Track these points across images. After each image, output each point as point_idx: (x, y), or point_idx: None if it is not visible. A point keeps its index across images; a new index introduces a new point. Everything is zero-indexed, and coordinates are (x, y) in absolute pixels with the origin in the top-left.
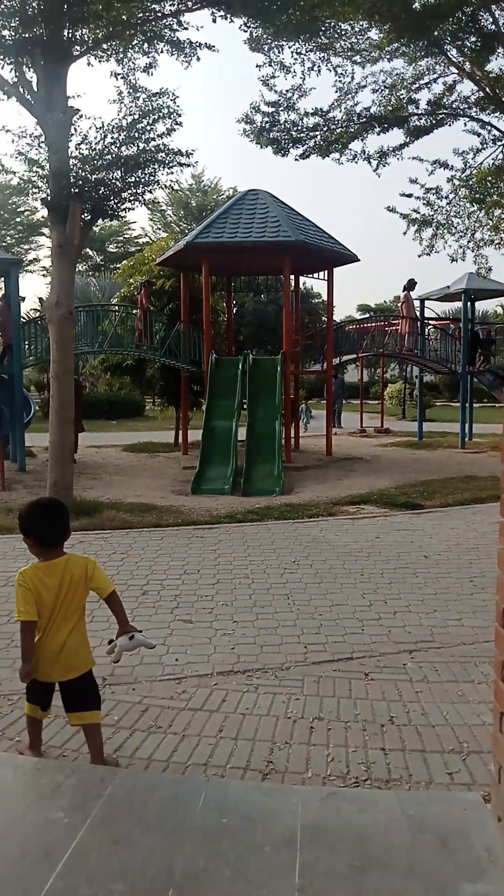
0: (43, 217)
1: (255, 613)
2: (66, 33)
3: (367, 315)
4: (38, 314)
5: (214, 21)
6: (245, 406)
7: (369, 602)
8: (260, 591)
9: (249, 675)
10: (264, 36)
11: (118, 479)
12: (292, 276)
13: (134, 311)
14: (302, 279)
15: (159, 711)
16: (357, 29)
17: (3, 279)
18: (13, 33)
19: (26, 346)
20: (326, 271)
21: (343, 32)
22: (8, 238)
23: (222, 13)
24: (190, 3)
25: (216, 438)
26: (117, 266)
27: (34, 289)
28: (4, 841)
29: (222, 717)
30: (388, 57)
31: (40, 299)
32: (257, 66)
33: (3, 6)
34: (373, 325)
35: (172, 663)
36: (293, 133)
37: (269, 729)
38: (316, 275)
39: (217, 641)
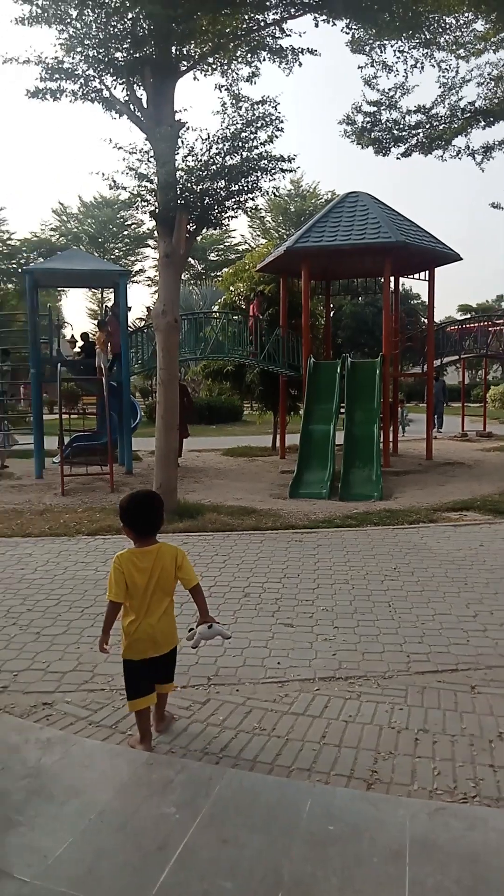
0: (148, 229)
1: (356, 620)
2: (173, 50)
3: (469, 315)
4: (143, 323)
5: (317, 26)
6: (343, 410)
7: (474, 612)
8: (360, 598)
9: (351, 681)
10: (366, 36)
11: (218, 482)
12: (392, 278)
13: (236, 318)
14: (402, 280)
15: (262, 714)
16: (462, 21)
17: (112, 290)
18: (125, 55)
19: (133, 354)
20: (427, 271)
21: (447, 26)
22: (115, 251)
23: (324, 17)
24: (293, 11)
25: (314, 442)
26: (218, 274)
27: (140, 298)
28: (121, 831)
29: (325, 723)
30: (493, 48)
31: (148, 308)
32: (359, 67)
33: (116, 30)
34: (475, 325)
35: (274, 666)
36: (395, 132)
37: (372, 738)
38: (416, 275)
39: (318, 647)
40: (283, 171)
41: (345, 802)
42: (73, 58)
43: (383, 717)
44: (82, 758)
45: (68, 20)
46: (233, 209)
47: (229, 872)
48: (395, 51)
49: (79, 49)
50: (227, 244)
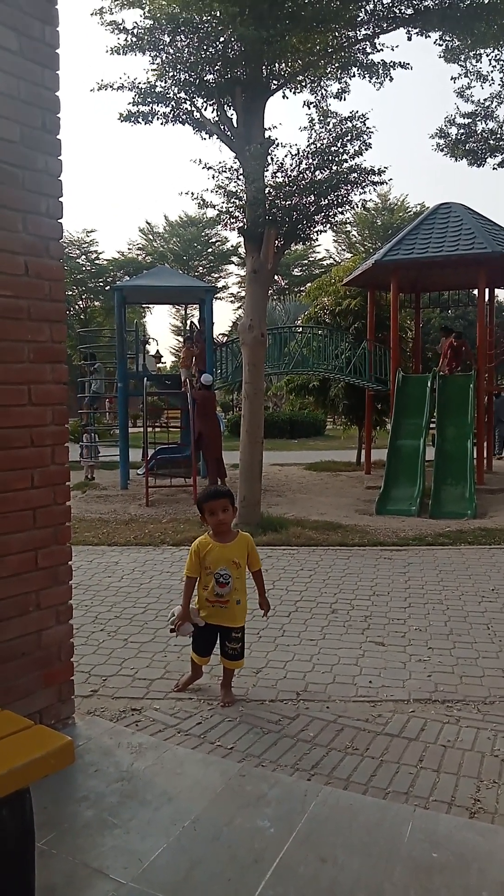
0: (232, 247)
1: (452, 641)
2: (264, 70)
3: None
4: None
5: (409, 39)
6: (433, 425)
7: None
8: (456, 619)
9: (449, 705)
10: (461, 46)
11: (301, 496)
12: (486, 289)
13: (320, 332)
14: (497, 291)
15: (355, 733)
16: None
17: (197, 306)
18: (216, 76)
19: (216, 370)
20: None
21: None
22: (200, 268)
23: (417, 31)
24: (385, 25)
25: (402, 458)
26: (302, 289)
27: (223, 314)
28: (216, 841)
29: (422, 747)
30: None
31: (234, 323)
32: (452, 78)
33: (207, 53)
34: None
35: (366, 685)
36: (491, 142)
37: (474, 765)
38: None
39: (412, 667)
40: (373, 183)
41: (449, 830)
42: (166, 82)
43: (485, 744)
44: (174, 765)
45: (161, 46)
46: (322, 223)
47: (328, 891)
48: (490, 59)
49: (171, 73)
50: (310, 259)
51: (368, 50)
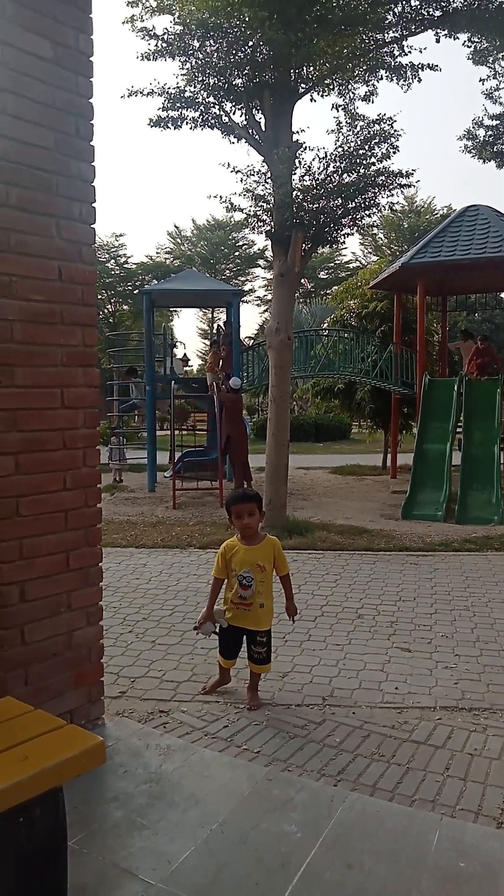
0: (259, 250)
1: (479, 649)
2: (292, 73)
3: None
4: (251, 341)
5: (438, 41)
6: (460, 429)
7: None
8: (483, 626)
9: (476, 713)
10: (489, 48)
11: (327, 500)
12: None
13: (346, 335)
14: None
15: (381, 739)
16: None
17: (224, 309)
18: (245, 81)
19: (243, 373)
20: None
21: None
22: (226, 271)
23: (446, 32)
24: (413, 28)
25: (428, 462)
26: (328, 292)
27: (249, 318)
28: (242, 844)
29: (448, 755)
30: None
31: (261, 326)
32: (480, 79)
33: (236, 58)
34: None
35: (392, 691)
36: None
37: (501, 774)
38: None
39: (438, 674)
40: (400, 186)
41: (476, 839)
42: (195, 87)
43: None
44: (202, 767)
45: (191, 51)
46: (349, 226)
47: None
48: None
49: (200, 78)
50: (336, 262)
51: (396, 52)
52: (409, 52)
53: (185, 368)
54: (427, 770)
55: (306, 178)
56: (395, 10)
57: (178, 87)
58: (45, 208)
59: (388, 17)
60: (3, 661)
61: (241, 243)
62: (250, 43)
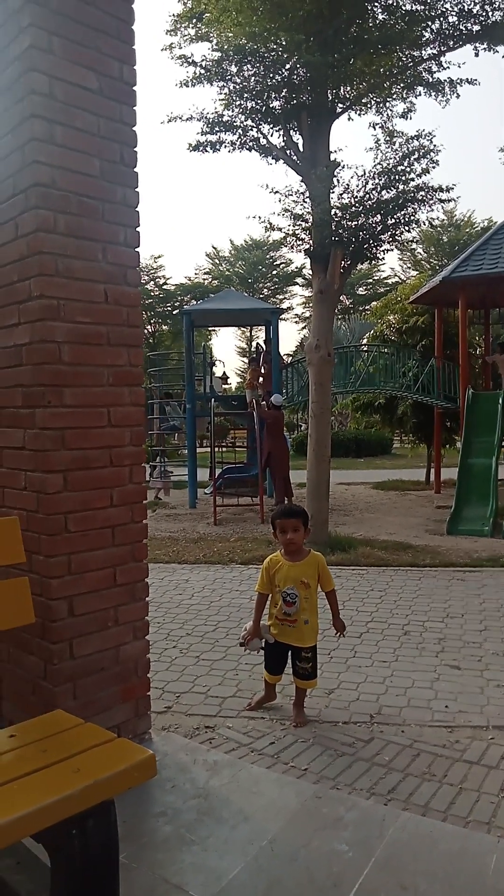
0: (296, 268)
1: None
2: (329, 94)
3: None
4: (290, 358)
5: (477, 55)
6: None
7: None
8: None
9: None
10: None
11: (369, 516)
12: None
13: (385, 350)
14: None
15: (432, 759)
16: None
17: (262, 327)
18: (282, 103)
19: (283, 390)
20: None
21: None
22: (264, 290)
23: (485, 46)
24: (451, 43)
25: (473, 476)
26: (367, 308)
27: (287, 335)
28: (293, 862)
29: (503, 776)
30: None
31: (300, 343)
32: None
33: (273, 81)
34: None
35: (442, 710)
36: None
37: None
38: None
39: (490, 693)
40: (440, 201)
41: None
42: (233, 110)
43: None
44: (250, 784)
45: (229, 76)
46: (388, 242)
47: None
48: None
49: (238, 102)
50: (375, 278)
51: (434, 69)
52: (448, 66)
53: (224, 386)
54: (481, 791)
55: (345, 196)
56: (433, 27)
57: (216, 112)
58: (92, 234)
59: (426, 34)
60: (52, 674)
61: (278, 262)
62: (287, 66)
